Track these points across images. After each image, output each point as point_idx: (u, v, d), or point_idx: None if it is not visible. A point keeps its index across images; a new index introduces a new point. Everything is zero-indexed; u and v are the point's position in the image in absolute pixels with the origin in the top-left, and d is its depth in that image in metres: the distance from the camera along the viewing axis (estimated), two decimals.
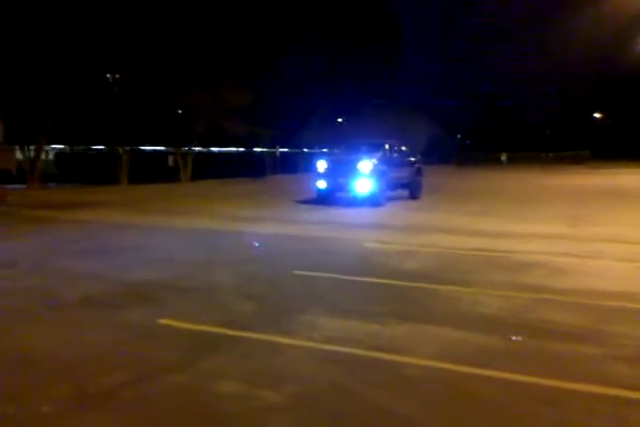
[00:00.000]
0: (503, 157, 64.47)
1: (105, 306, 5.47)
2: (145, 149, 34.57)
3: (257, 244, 9.12)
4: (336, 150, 18.91)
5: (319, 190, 16.22)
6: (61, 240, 9.49)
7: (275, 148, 36.49)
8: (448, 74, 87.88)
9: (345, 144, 18.96)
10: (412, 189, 17.81)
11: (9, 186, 22.03)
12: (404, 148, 18.20)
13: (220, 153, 39.82)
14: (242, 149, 40.77)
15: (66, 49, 22.49)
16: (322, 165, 16.09)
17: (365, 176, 15.20)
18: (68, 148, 34.58)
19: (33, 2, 21.45)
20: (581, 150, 70.48)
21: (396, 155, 17.10)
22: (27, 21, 21.30)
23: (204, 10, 29.26)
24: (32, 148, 22.76)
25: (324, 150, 39.69)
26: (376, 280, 6.62)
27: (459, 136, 77.35)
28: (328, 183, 15.89)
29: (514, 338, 4.59)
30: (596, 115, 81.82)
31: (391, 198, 16.96)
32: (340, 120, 51.33)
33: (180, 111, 25.41)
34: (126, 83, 26.47)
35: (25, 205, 15.42)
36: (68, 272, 6.94)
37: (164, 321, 4.96)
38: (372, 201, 15.34)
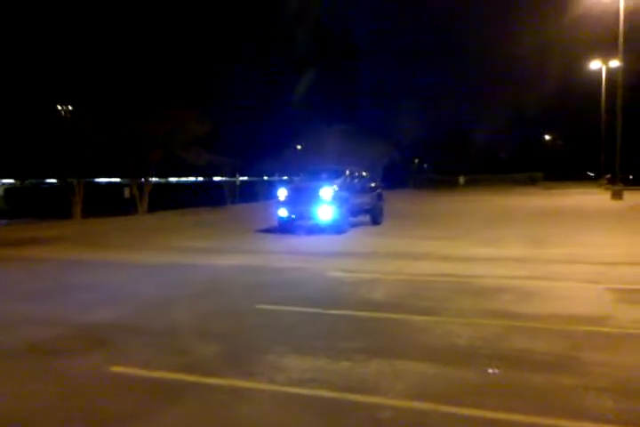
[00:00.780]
0: (461, 180, 65.79)
1: (51, 354, 5.02)
2: (100, 182, 33.75)
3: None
4: (296, 178, 18.73)
5: (280, 219, 15.95)
6: (6, 281, 8.92)
7: (235, 176, 36.16)
8: (406, 98, 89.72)
9: (305, 171, 18.80)
10: (374, 215, 17.72)
11: None
12: (364, 173, 18.16)
13: (178, 183, 39.25)
14: (201, 179, 40.29)
15: (13, 80, 21.94)
16: (282, 193, 15.85)
17: (327, 203, 15.03)
18: (18, 182, 33.44)
19: None
20: (534, 171, 72.56)
21: (356, 180, 17.03)
22: None
23: (158, 37, 29.15)
24: None
25: (285, 178, 39.60)
26: (342, 312, 6.36)
27: (417, 160, 78.66)
28: (289, 211, 15.64)
29: (490, 371, 4.38)
30: (547, 136, 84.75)
31: (353, 225, 16.81)
32: (298, 147, 51.46)
33: (135, 141, 24.85)
34: (79, 113, 25.90)
35: None
36: (11, 317, 6.44)
37: (117, 369, 4.57)
38: (335, 228, 15.16)
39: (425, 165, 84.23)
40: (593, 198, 30.89)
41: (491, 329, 5.57)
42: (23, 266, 10.50)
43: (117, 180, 34.79)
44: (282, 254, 11.47)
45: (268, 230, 16.34)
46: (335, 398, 3.90)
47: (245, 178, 43.20)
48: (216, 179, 39.01)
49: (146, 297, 7.44)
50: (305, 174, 18.05)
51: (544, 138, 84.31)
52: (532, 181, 63.88)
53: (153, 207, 27.89)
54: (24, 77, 22.64)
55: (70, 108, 25.70)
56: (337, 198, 15.07)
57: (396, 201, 30.31)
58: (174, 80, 27.74)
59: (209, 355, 4.93)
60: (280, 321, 6.09)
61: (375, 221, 17.69)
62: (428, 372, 4.40)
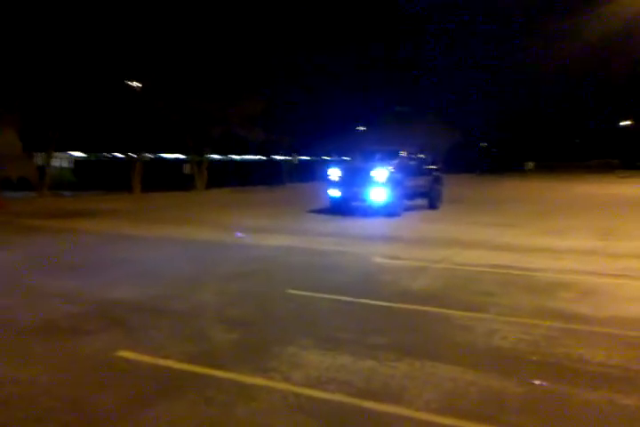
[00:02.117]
0: (530, 166, 63.07)
1: (63, 333, 4.79)
2: (162, 157, 34.32)
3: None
4: (350, 158, 18.16)
5: (332, 199, 15.49)
6: (47, 253, 8.91)
7: (292, 155, 35.86)
8: (474, 80, 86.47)
9: (359, 151, 18.18)
10: (431, 199, 16.96)
11: (22, 193, 21.82)
12: (422, 155, 17.36)
13: (237, 161, 39.40)
14: (260, 157, 40.32)
15: (84, 56, 22.28)
16: (335, 173, 15.36)
17: (380, 185, 14.42)
18: (86, 155, 34.51)
19: (55, 10, 21.27)
20: (611, 159, 68.63)
21: (413, 162, 16.29)
22: (48, 29, 21.12)
23: (219, 18, 28.93)
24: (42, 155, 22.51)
25: (345, 159, 38.97)
26: (379, 303, 5.84)
27: (485, 144, 75.90)
28: (341, 192, 15.15)
29: (536, 383, 3.78)
30: (626, 122, 79.72)
31: (408, 208, 16.14)
32: (361, 128, 50.57)
33: (194, 118, 24.91)
34: (144, 90, 26.20)
35: (27, 213, 14.97)
36: (39, 291, 6.31)
37: (123, 353, 4.27)
38: (388, 211, 14.55)
39: (493, 150, 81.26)
40: None
41: (543, 331, 4.92)
42: (69, 238, 10.54)
43: (181, 156, 35.21)
44: (328, 237, 11.02)
45: (320, 211, 15.93)
46: (350, 405, 3.42)
47: (305, 157, 42.85)
48: (275, 157, 38.91)
49: (178, 276, 7.18)
50: (359, 155, 17.44)
51: (622, 123, 79.44)
52: (608, 169, 60.34)
53: (212, 184, 28.09)
54: (94, 53, 22.95)
55: (138, 84, 26.03)
56: (391, 180, 14.44)
57: (459, 186, 29.22)
58: (234, 59, 27.44)
59: (225, 344, 4.55)
60: (309, 309, 5.65)
61: (432, 205, 16.94)
62: (463, 379, 3.85)
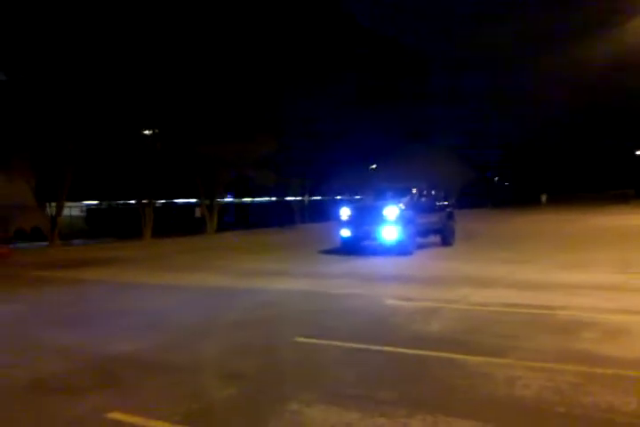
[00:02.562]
0: (543, 199, 62.62)
1: (52, 393, 4.52)
2: (176, 202, 34.51)
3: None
4: (361, 196, 17.98)
5: (343, 239, 15.24)
6: (49, 305, 8.71)
7: (304, 196, 35.89)
8: (482, 116, 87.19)
9: (370, 189, 18.03)
10: (444, 236, 16.64)
11: (34, 244, 21.86)
12: (433, 191, 17.14)
13: (247, 203, 39.48)
14: (270, 199, 40.38)
15: (93, 104, 22.72)
16: (345, 213, 15.17)
17: (392, 223, 14.17)
18: (99, 203, 34.85)
19: (64, 57, 21.85)
20: (626, 189, 68.00)
21: (424, 199, 16.06)
22: (57, 78, 21.65)
23: (229, 61, 29.56)
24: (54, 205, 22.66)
25: (357, 197, 38.86)
26: (390, 349, 5.50)
27: (496, 178, 75.81)
28: (352, 231, 14.91)
29: None
30: (639, 152, 79.36)
31: (422, 246, 15.84)
32: (373, 166, 50.72)
33: (205, 162, 25.12)
34: (155, 136, 26.56)
35: (34, 264, 14.91)
36: (34, 345, 6.06)
37: (113, 415, 3.97)
38: (400, 249, 14.24)
39: (505, 184, 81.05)
40: None
41: (568, 377, 4.54)
42: (73, 288, 10.36)
43: (193, 200, 35.35)
44: (340, 278, 10.71)
45: (332, 251, 15.67)
46: None
47: (317, 197, 42.85)
48: (287, 199, 38.96)
49: (181, 326, 6.90)
50: (370, 193, 17.28)
51: (636, 153, 79.05)
52: (623, 199, 59.68)
53: (223, 227, 28.04)
54: (106, 100, 23.42)
55: (149, 131, 26.42)
56: (402, 218, 14.19)
57: (472, 221, 28.87)
58: (243, 102, 27.88)
59: (223, 402, 4.24)
60: (316, 359, 5.32)
61: (445, 241, 16.60)
62: None
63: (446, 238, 16.64)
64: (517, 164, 79.71)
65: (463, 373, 4.78)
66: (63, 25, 22.27)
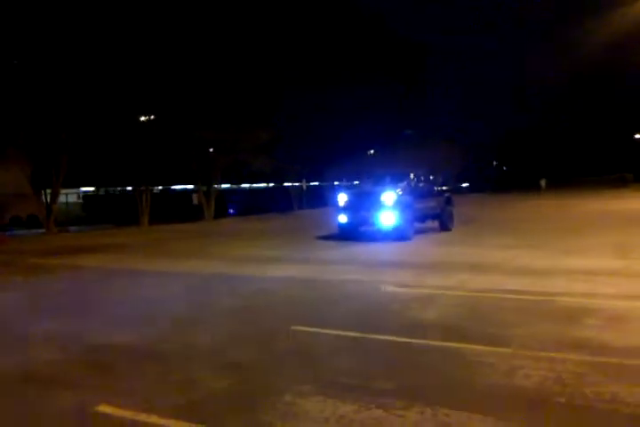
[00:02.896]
0: (542, 183, 62.39)
1: (41, 384, 4.40)
2: (172, 188, 34.29)
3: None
4: (358, 182, 17.81)
5: (341, 225, 15.11)
6: (43, 293, 8.59)
7: (302, 182, 35.69)
8: (483, 98, 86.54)
9: (367, 175, 17.85)
10: (443, 221, 16.50)
11: (31, 231, 21.71)
12: (431, 176, 16.99)
13: (245, 189, 39.27)
14: (268, 185, 40.18)
15: (90, 90, 22.39)
16: (343, 198, 15.02)
17: (389, 208, 14.03)
18: (95, 190, 34.63)
19: (60, 44, 21.47)
20: (625, 173, 67.75)
21: (422, 184, 15.91)
22: (52, 65, 21.30)
23: (228, 49, 29.13)
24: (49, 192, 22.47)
25: (355, 183, 38.68)
26: (387, 338, 5.39)
27: (495, 163, 75.45)
28: (350, 217, 14.77)
29: None
30: (638, 136, 78.93)
31: (420, 231, 15.71)
32: (371, 152, 50.45)
33: (201, 148, 24.86)
34: (152, 122, 26.25)
35: (30, 251, 14.77)
36: (26, 335, 5.94)
37: (101, 408, 3.85)
38: (398, 235, 14.11)
39: (504, 168, 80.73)
40: None
41: (569, 366, 4.43)
42: (69, 276, 10.24)
43: (191, 186, 35.15)
44: (337, 265, 10.59)
45: (329, 237, 15.54)
46: None
47: (315, 183, 42.62)
48: (285, 185, 38.76)
49: (175, 314, 6.78)
50: (367, 179, 17.11)
51: (634, 137, 78.60)
52: (622, 183, 59.50)
53: (221, 213, 27.88)
54: (103, 86, 23.08)
55: (146, 117, 26.07)
56: (400, 203, 14.04)
57: (471, 206, 28.74)
58: (240, 87, 27.49)
59: (216, 393, 4.12)
60: (313, 348, 5.21)
61: (444, 227, 16.47)
62: None
63: (444, 223, 16.51)
64: (516, 148, 79.34)
65: (462, 362, 4.66)
66: (58, 11, 21.87)
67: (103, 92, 22.82)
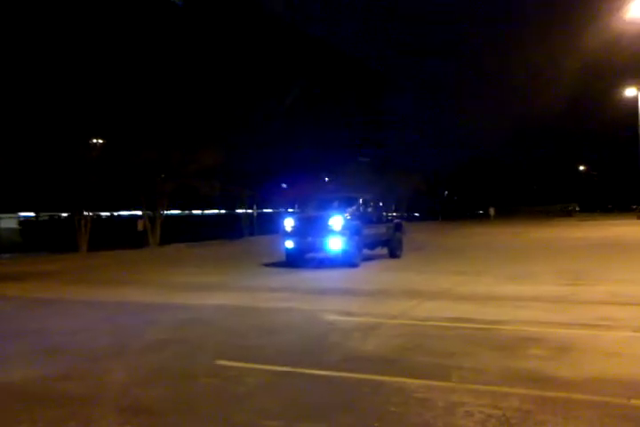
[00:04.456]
0: (492, 212, 63.70)
1: None
2: (117, 214, 33.11)
3: None
4: (305, 206, 17.40)
5: (287, 251, 14.61)
6: None
7: (252, 208, 35.14)
8: (431, 130, 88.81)
9: (315, 200, 17.49)
10: (392, 247, 16.21)
11: None
12: (380, 203, 16.76)
13: (194, 215, 38.37)
14: (217, 211, 39.40)
15: (28, 111, 21.50)
16: (289, 223, 14.56)
17: (337, 234, 13.64)
18: (33, 216, 33.10)
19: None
20: (570, 203, 70.06)
21: (371, 210, 15.62)
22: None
23: (173, 69, 28.73)
24: None
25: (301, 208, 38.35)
26: (320, 373, 4.88)
27: (446, 192, 76.79)
28: (296, 243, 14.30)
29: None
30: (581, 167, 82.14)
31: (369, 258, 15.37)
32: (325, 179, 50.47)
33: (146, 171, 24.01)
34: (95, 146, 25.35)
35: None
36: None
37: None
38: (346, 261, 13.71)
39: (455, 197, 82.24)
40: (632, 230, 28.77)
41: (515, 403, 4.02)
42: None
43: (138, 213, 34.00)
44: (277, 292, 10.05)
45: (275, 264, 15.01)
46: None
47: (268, 210, 42.06)
48: (235, 211, 38.05)
49: (87, 349, 6.09)
50: (314, 203, 16.72)
51: (578, 169, 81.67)
52: (567, 213, 61.40)
53: (168, 239, 26.93)
54: (43, 108, 22.20)
55: (89, 141, 25.09)
56: (348, 228, 13.68)
57: (422, 233, 28.73)
58: (189, 110, 27.00)
59: None
60: (236, 386, 4.64)
61: (393, 253, 16.18)
62: None
63: (394, 250, 16.22)
64: (466, 178, 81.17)
65: (399, 399, 4.20)
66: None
67: (44, 114, 21.98)
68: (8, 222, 30.20)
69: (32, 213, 34.92)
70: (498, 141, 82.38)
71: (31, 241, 30.00)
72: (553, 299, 8.36)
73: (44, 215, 32.84)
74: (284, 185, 35.29)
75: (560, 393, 4.19)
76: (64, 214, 32.21)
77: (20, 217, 32.39)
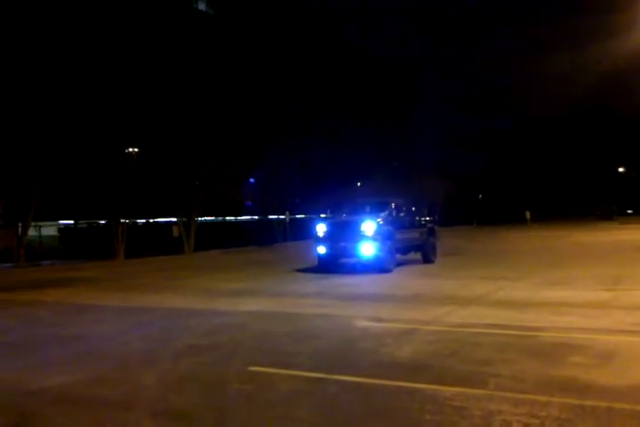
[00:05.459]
0: (527, 215, 62.51)
1: None
2: (154, 221, 33.65)
3: None
4: (338, 212, 17.33)
5: (319, 256, 14.60)
6: None
7: (285, 214, 35.28)
8: (467, 133, 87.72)
9: (347, 205, 17.44)
10: (425, 252, 16.04)
11: (2, 265, 20.93)
12: (413, 207, 16.60)
13: (227, 221, 38.69)
14: (250, 217, 39.65)
15: (68, 121, 22.04)
16: (321, 229, 14.54)
17: (369, 239, 13.56)
18: (73, 223, 33.86)
19: (45, 78, 21.16)
20: (609, 206, 68.21)
21: (404, 214, 15.48)
22: (31, 95, 20.93)
23: (208, 80, 29.14)
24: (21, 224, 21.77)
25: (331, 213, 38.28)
26: (353, 379, 4.83)
27: (480, 196, 75.69)
28: (329, 248, 14.27)
29: None
30: (621, 169, 79.88)
31: (402, 263, 15.24)
32: (358, 184, 50.37)
33: (181, 179, 24.42)
34: (132, 154, 25.83)
35: None
36: None
37: None
38: (378, 267, 13.61)
39: (489, 201, 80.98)
40: None
41: (554, 412, 3.90)
42: (23, 312, 9.59)
43: (173, 219, 34.49)
44: (311, 298, 10.04)
45: (308, 270, 15.02)
46: None
47: (300, 216, 42.16)
48: (268, 217, 38.25)
49: (123, 354, 6.18)
50: (347, 208, 16.67)
51: (618, 170, 79.52)
52: (607, 215, 59.73)
53: (203, 246, 27.26)
54: (82, 118, 22.75)
55: (127, 150, 25.58)
56: (380, 233, 13.59)
57: (456, 238, 28.41)
58: (225, 119, 27.30)
59: None
60: (268, 393, 4.63)
61: (427, 259, 16.00)
62: None
63: (427, 255, 16.04)
64: (501, 182, 79.92)
65: (434, 407, 4.12)
66: (36, 39, 21.72)
67: (83, 124, 22.49)
68: (49, 230, 30.94)
69: (71, 221, 35.68)
70: (536, 143, 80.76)
71: (70, 248, 30.67)
72: (593, 304, 8.12)
73: (83, 223, 33.51)
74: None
75: (601, 402, 4.04)
76: (102, 222, 32.89)
77: (59, 224, 33.19)
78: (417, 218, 16.42)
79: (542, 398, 4.17)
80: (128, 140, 25.10)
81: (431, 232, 16.62)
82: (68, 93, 22.06)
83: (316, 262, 15.16)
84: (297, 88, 42.19)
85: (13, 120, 20.26)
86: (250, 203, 35.08)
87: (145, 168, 24.35)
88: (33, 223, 23.34)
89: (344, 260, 14.79)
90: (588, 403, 4.04)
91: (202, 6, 42.99)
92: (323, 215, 44.91)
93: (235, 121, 28.53)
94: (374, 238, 13.53)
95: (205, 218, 32.44)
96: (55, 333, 7.56)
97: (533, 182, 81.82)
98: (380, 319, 7.65)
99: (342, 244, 14.01)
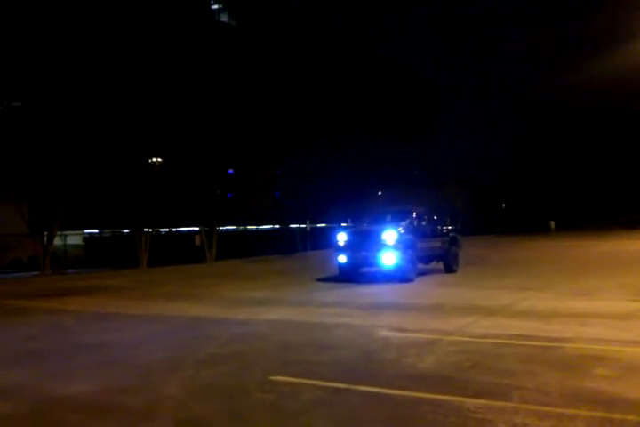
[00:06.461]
0: (552, 224, 61.64)
1: None
2: (176, 230, 33.97)
3: None
4: (358, 221, 17.30)
5: (340, 265, 14.57)
6: (12, 338, 8.07)
7: (306, 223, 35.35)
8: (490, 140, 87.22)
9: (368, 214, 17.41)
10: (447, 262, 15.90)
11: (27, 273, 21.30)
12: (435, 216, 16.50)
13: (249, 230, 38.88)
14: (271, 226, 39.79)
15: (90, 132, 22.42)
16: (342, 238, 14.53)
17: (390, 248, 13.50)
18: (99, 231, 34.40)
19: (70, 88, 21.60)
20: (634, 215, 66.93)
21: (425, 223, 15.40)
22: (54, 104, 21.38)
23: (228, 89, 29.45)
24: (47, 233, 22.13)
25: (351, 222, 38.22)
26: (375, 390, 4.81)
27: (503, 205, 74.93)
28: (349, 257, 14.24)
29: None
30: None
31: (424, 272, 15.13)
32: (379, 193, 50.30)
33: (205, 189, 24.67)
34: (155, 165, 26.18)
35: (17, 294, 14.31)
36: None
37: None
38: (400, 276, 13.53)
39: (513, 210, 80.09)
40: None
41: (580, 425, 3.85)
42: (48, 320, 9.72)
43: (195, 228, 34.78)
44: (332, 307, 10.02)
45: (329, 279, 14.99)
46: None
47: (320, 225, 42.18)
48: (289, 226, 38.36)
49: (145, 362, 6.23)
50: (367, 217, 16.64)
51: None
52: (634, 224, 58.58)
53: (225, 255, 27.40)
54: (105, 129, 23.14)
55: (150, 160, 25.95)
56: (401, 242, 13.53)
57: (479, 247, 28.14)
58: (245, 128, 27.53)
59: None
60: (290, 402, 4.62)
61: (449, 268, 15.85)
62: None
63: (449, 265, 15.90)
64: (525, 190, 79.07)
65: (457, 419, 4.07)
66: (62, 52, 22.20)
67: (109, 134, 22.86)
68: (74, 239, 31.41)
69: (96, 230, 36.22)
70: (559, 151, 79.87)
71: (95, 257, 31.11)
72: (619, 315, 7.96)
73: (107, 232, 34.01)
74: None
75: (629, 416, 3.96)
76: (126, 231, 33.32)
77: (84, 234, 33.71)
78: (439, 227, 16.30)
79: (568, 411, 4.10)
80: (151, 151, 25.44)
81: (453, 241, 16.48)
82: (95, 105, 22.45)
83: (336, 272, 15.13)
84: (322, 99, 42.42)
85: (42, 131, 20.68)
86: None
87: (168, 178, 24.63)
88: (58, 232, 23.71)
89: (365, 269, 14.74)
90: (615, 416, 3.96)
91: (224, 18, 43.62)
92: (344, 224, 44.95)
93: (258, 132, 28.76)
94: (395, 247, 13.47)
95: (227, 227, 32.65)
96: (79, 341, 7.65)
97: (557, 191, 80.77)
98: (401, 329, 7.60)
99: (363, 253, 13.97)
